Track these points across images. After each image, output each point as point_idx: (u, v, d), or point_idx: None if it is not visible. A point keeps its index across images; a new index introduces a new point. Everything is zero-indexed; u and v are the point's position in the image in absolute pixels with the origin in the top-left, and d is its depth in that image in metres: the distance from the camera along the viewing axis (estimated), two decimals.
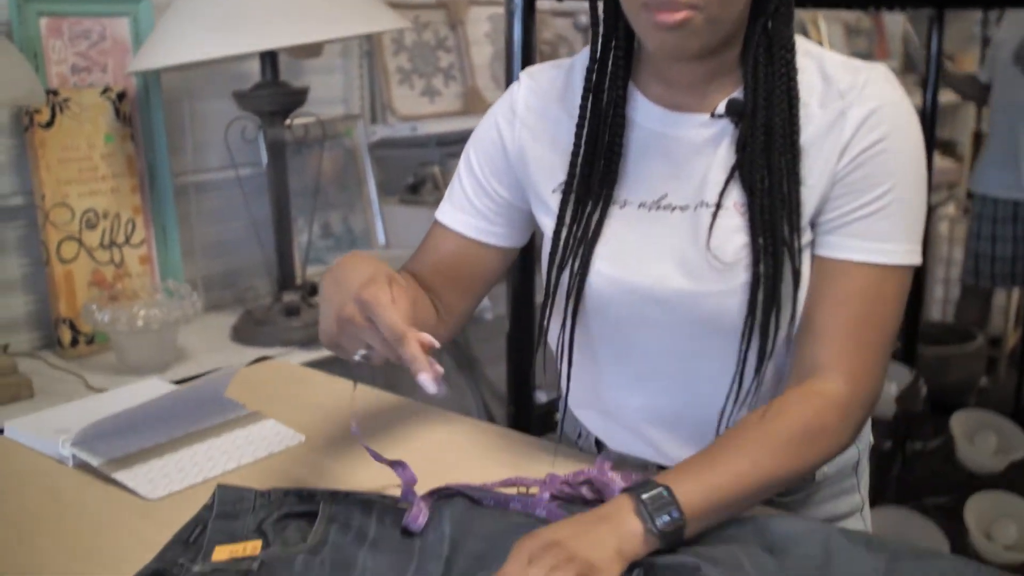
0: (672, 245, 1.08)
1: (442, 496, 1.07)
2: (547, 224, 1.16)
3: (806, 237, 1.05)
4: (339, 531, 1.01)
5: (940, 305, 4.72)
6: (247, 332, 2.20)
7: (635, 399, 1.17)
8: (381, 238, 2.71)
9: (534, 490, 1.10)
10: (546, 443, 1.28)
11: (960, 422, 3.19)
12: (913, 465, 3.16)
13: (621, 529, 0.92)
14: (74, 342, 2.12)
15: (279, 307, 2.20)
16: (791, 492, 1.18)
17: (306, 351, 2.14)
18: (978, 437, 3.20)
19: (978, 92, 3.81)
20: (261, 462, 1.22)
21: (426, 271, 1.22)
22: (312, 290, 2.32)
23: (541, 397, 2.55)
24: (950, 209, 4.74)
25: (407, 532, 1.01)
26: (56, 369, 2.04)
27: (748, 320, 1.04)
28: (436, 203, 2.66)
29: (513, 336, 2.43)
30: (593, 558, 0.89)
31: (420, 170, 2.75)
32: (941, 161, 4.62)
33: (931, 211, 4.27)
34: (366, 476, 1.14)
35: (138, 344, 1.95)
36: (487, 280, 1.25)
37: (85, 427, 1.19)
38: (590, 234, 1.11)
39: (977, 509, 2.79)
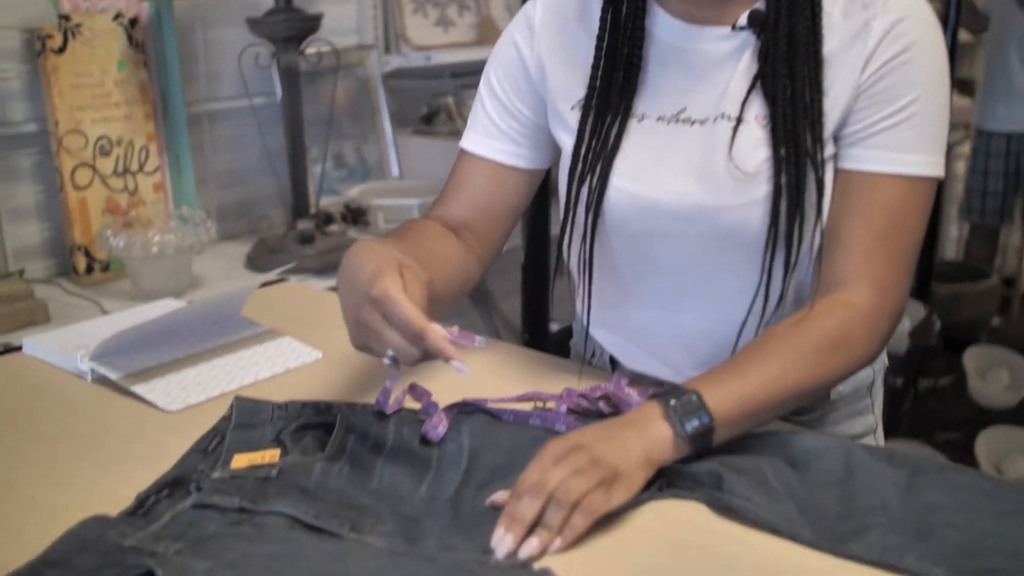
0: (692, 158, 1.07)
1: (461, 411, 1.08)
2: (566, 141, 1.16)
3: (828, 150, 1.05)
4: (357, 441, 1.02)
5: (954, 244, 4.70)
6: (261, 260, 2.20)
7: (655, 316, 1.17)
8: (395, 169, 2.71)
9: (551, 404, 1.10)
10: (561, 361, 1.28)
11: (972, 358, 3.19)
12: (925, 401, 3.17)
13: (649, 434, 0.92)
14: (89, 269, 2.12)
15: (293, 235, 2.20)
16: (806, 411, 1.18)
17: (320, 279, 2.13)
18: (990, 373, 3.20)
19: (975, 20, 3.77)
20: (278, 377, 1.22)
21: (457, 207, 1.21)
22: (327, 219, 2.32)
23: (554, 327, 2.56)
24: (966, 148, 4.70)
25: (425, 443, 1.01)
26: (71, 295, 2.04)
27: (771, 231, 1.04)
28: (450, 134, 2.67)
29: (528, 266, 2.43)
30: (618, 463, 0.89)
31: (434, 101, 2.73)
32: (958, 100, 4.56)
33: (947, 150, 4.23)
34: None
35: (153, 270, 1.95)
36: (518, 206, 1.24)
37: (103, 341, 1.19)
38: (609, 148, 1.11)
39: (988, 444, 2.80)
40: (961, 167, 4.60)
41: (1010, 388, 3.16)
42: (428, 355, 0.94)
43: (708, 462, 0.94)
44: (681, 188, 1.07)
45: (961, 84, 4.79)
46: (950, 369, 3.28)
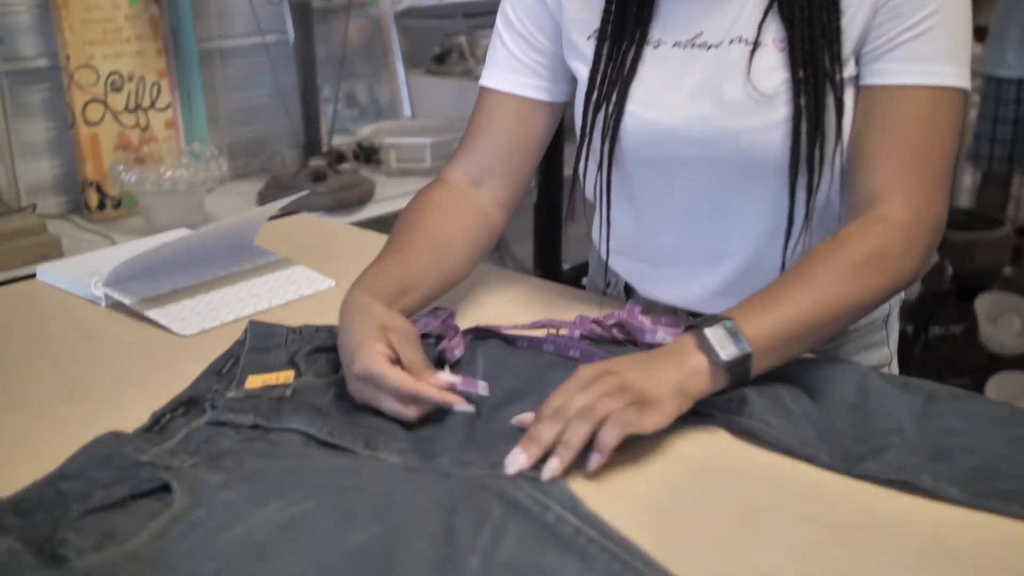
0: (708, 83, 1.06)
1: (476, 337, 1.08)
2: (581, 71, 1.14)
3: (848, 70, 1.03)
4: None
5: (968, 193, 4.66)
6: (273, 197, 2.19)
7: (673, 242, 1.16)
8: (407, 109, 2.69)
9: (564, 332, 1.10)
10: (575, 291, 1.28)
11: (984, 304, 3.18)
12: (936, 348, 3.16)
13: (684, 364, 0.90)
14: (101, 206, 2.12)
15: (305, 172, 2.19)
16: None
17: (332, 216, 2.13)
18: (1001, 320, 3.19)
19: None
20: (292, 304, 1.23)
21: (481, 151, 1.19)
22: (339, 157, 2.31)
23: (566, 267, 2.56)
24: (975, 96, 4.65)
25: (440, 364, 1.01)
26: (84, 231, 2.04)
27: (793, 154, 1.03)
28: (463, 74, 2.65)
29: (541, 206, 2.43)
30: (649, 389, 0.87)
31: (446, 41, 2.71)
32: (974, 47, 4.52)
33: None
34: None
35: (165, 205, 1.95)
36: (542, 141, 1.22)
37: (117, 266, 1.19)
38: (625, 74, 1.10)
39: (998, 389, 2.79)
40: (972, 114, 4.56)
41: (1021, 334, 3.15)
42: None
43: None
44: (698, 113, 1.06)
45: (975, 31, 4.73)
46: (961, 317, 3.27)
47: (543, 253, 2.49)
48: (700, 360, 0.91)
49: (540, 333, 1.09)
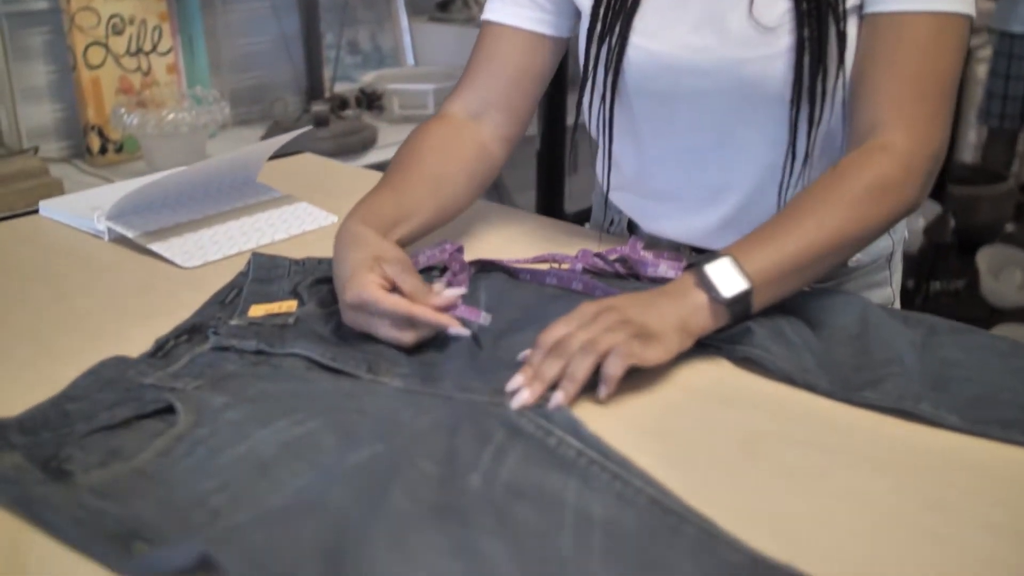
0: (711, 14, 1.06)
1: (479, 269, 1.08)
2: (585, 3, 1.14)
3: (850, 0, 1.02)
4: None
5: (972, 149, 4.64)
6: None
7: (676, 176, 1.16)
8: (409, 57, 2.68)
9: (566, 266, 1.10)
10: (577, 228, 1.28)
11: (986, 258, 3.18)
12: (937, 301, 3.16)
13: (685, 302, 0.90)
14: (103, 150, 2.12)
15: (307, 118, 2.19)
16: (821, 279, 1.17)
17: (334, 162, 2.12)
18: (1003, 273, 3.19)
19: None
20: (294, 239, 1.23)
21: (482, 85, 1.18)
22: (342, 103, 2.30)
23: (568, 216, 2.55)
24: (988, 52, 4.62)
25: None
26: (86, 175, 2.04)
27: (795, 86, 1.02)
28: (466, 21, 2.63)
29: (543, 154, 2.42)
30: (651, 324, 0.87)
31: None
32: (982, 3, 4.48)
33: (969, 54, 4.17)
34: None
35: (167, 148, 1.95)
36: (544, 77, 1.21)
37: (119, 200, 1.19)
38: (628, 5, 1.09)
39: None
40: (982, 71, 4.53)
41: (1022, 288, 3.15)
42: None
43: None
44: (700, 43, 1.06)
45: None
46: (963, 272, 3.27)
47: (545, 202, 2.49)
48: (701, 297, 0.91)
49: (543, 267, 1.09)
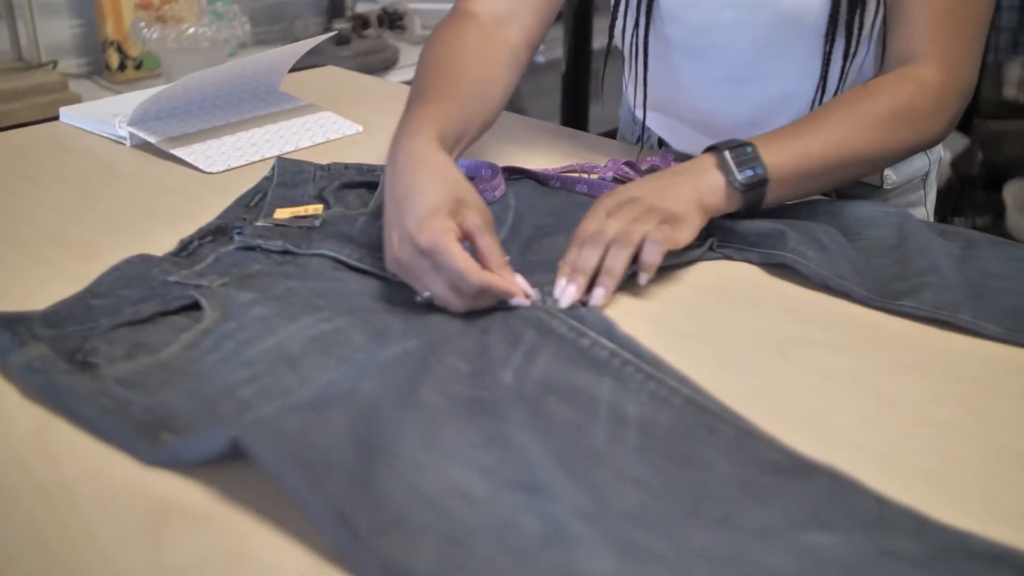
0: None
1: (508, 177, 1.06)
2: None
3: None
4: None
5: (1014, 87, 4.57)
6: (297, 61, 2.15)
7: (710, 104, 1.13)
8: None
9: (595, 176, 1.08)
10: (605, 141, 1.26)
11: (1013, 191, 3.13)
12: None
13: (702, 180, 0.90)
14: (122, 66, 2.09)
15: (329, 36, 2.15)
16: (856, 198, 1.15)
17: (359, 74, 2.10)
18: None
19: None
20: (319, 146, 1.21)
21: None
22: (363, 22, 2.27)
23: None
24: None
25: None
26: (105, 91, 2.02)
27: (832, 19, 1.00)
28: None
29: (568, 77, 2.39)
30: (673, 206, 0.87)
31: None
32: None
33: None
34: None
35: (187, 63, 1.92)
36: None
37: (141, 104, 1.17)
38: None
39: None
40: None
41: None
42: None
43: (765, 222, 0.92)
44: None
45: None
46: (989, 207, 3.22)
47: (570, 124, 2.46)
48: (718, 178, 0.90)
49: (573, 175, 1.08)
